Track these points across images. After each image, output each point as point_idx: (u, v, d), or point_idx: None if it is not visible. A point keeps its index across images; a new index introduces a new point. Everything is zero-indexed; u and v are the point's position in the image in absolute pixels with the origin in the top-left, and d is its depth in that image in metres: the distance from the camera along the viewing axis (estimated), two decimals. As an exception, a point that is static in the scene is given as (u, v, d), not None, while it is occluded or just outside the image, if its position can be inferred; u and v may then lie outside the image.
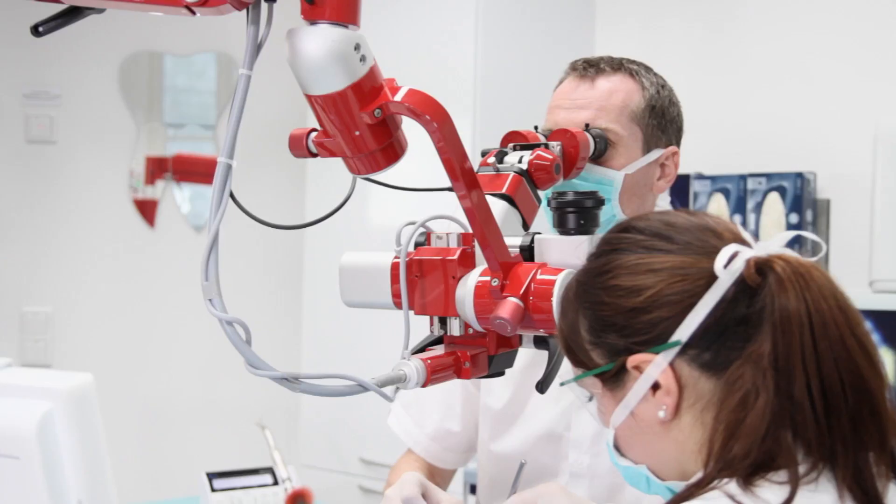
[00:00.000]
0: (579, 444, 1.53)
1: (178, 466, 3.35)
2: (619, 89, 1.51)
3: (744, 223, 2.67)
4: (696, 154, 2.89)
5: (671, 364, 0.94)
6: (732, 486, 0.89)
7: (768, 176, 2.65)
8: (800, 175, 2.61)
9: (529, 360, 1.53)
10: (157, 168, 3.61)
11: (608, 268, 0.99)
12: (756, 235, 2.65)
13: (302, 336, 3.18)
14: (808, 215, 2.64)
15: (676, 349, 0.93)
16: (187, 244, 3.54)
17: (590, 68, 1.53)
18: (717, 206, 2.72)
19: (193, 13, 1.06)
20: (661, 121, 1.54)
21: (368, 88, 1.07)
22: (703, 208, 2.73)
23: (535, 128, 1.47)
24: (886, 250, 2.41)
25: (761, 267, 0.92)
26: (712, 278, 0.93)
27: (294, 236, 3.17)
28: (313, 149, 1.14)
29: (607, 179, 1.49)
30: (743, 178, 2.69)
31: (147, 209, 3.55)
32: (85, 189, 3.52)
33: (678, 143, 1.59)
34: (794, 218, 2.61)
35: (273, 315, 3.51)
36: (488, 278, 1.16)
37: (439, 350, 1.24)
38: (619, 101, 1.50)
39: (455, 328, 1.23)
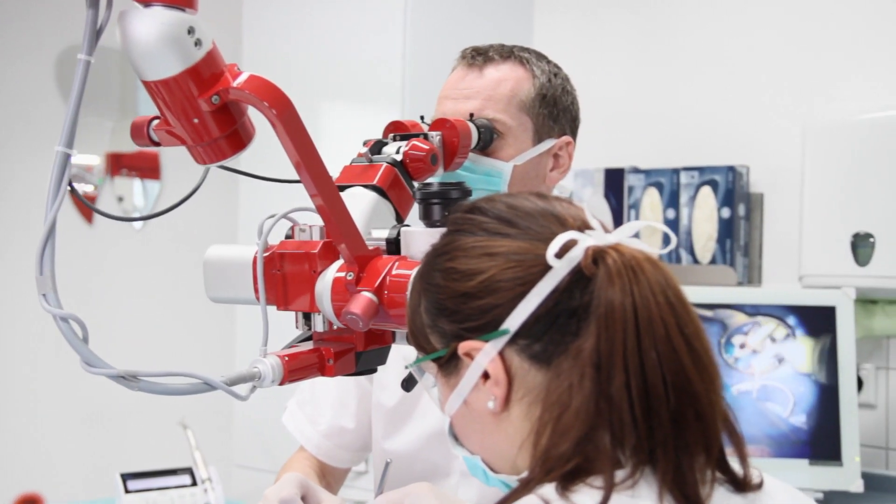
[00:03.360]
0: (470, 442, 1.49)
1: (111, 466, 3.30)
2: (508, 78, 1.47)
3: (677, 217, 2.64)
4: (630, 148, 2.86)
5: (501, 353, 0.90)
6: (549, 489, 0.85)
7: (700, 170, 2.62)
8: (731, 169, 2.58)
9: (419, 356, 1.50)
10: (116, 164, 3.56)
11: (447, 249, 0.95)
12: (689, 229, 2.64)
13: (236, 335, 3.13)
14: (741, 209, 2.61)
15: (506, 338, 0.89)
16: (125, 241, 3.48)
17: (478, 57, 1.49)
18: (651, 200, 2.68)
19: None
20: (553, 110, 1.49)
21: (207, 74, 1.02)
22: (637, 202, 2.70)
23: (422, 118, 1.43)
24: (814, 245, 2.39)
25: (596, 258, 0.88)
26: (549, 266, 0.88)
27: (227, 233, 3.12)
28: (155, 137, 1.09)
29: (495, 171, 1.45)
30: (676, 171, 2.66)
31: (84, 205, 3.50)
32: (20, 185, 3.46)
33: (574, 134, 1.54)
34: (725, 212, 2.58)
35: (206, 313, 3.46)
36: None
37: (304, 347, 1.20)
38: (507, 91, 1.46)
39: (319, 324, 1.19)
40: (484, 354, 0.90)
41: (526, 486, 0.86)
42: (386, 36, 2.73)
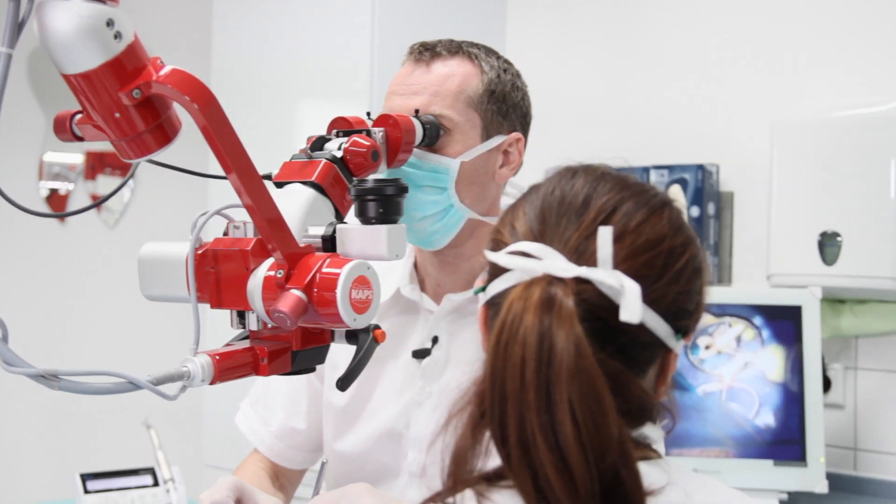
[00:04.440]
0: (418, 442, 1.48)
1: (76, 466, 3.27)
2: (456, 73, 1.45)
3: (647, 216, 2.62)
4: (600, 146, 2.84)
5: (486, 306, 0.93)
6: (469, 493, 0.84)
7: (670, 168, 2.61)
8: (701, 167, 2.57)
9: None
10: (98, 162, 3.54)
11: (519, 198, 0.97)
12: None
13: (205, 335, 3.10)
14: (711, 208, 2.60)
15: (483, 297, 0.92)
16: (98, 239, 3.46)
17: (426, 52, 1.47)
18: (621, 199, 2.67)
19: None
20: (502, 106, 1.47)
21: (129, 68, 1.00)
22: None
23: (368, 114, 1.42)
24: (782, 245, 2.37)
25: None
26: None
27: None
28: (79, 132, 1.07)
29: (442, 167, 1.43)
30: (646, 170, 2.64)
31: (57, 204, 3.47)
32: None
33: (524, 130, 1.52)
34: (695, 211, 2.57)
35: (178, 313, 3.44)
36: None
37: (239, 345, 1.18)
38: (455, 86, 1.44)
39: (253, 322, 1.17)
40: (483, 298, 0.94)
41: (453, 488, 0.85)
42: (355, 34, 2.71)
